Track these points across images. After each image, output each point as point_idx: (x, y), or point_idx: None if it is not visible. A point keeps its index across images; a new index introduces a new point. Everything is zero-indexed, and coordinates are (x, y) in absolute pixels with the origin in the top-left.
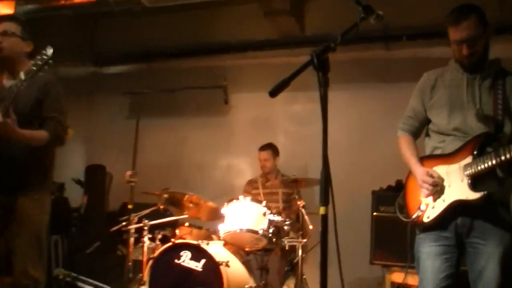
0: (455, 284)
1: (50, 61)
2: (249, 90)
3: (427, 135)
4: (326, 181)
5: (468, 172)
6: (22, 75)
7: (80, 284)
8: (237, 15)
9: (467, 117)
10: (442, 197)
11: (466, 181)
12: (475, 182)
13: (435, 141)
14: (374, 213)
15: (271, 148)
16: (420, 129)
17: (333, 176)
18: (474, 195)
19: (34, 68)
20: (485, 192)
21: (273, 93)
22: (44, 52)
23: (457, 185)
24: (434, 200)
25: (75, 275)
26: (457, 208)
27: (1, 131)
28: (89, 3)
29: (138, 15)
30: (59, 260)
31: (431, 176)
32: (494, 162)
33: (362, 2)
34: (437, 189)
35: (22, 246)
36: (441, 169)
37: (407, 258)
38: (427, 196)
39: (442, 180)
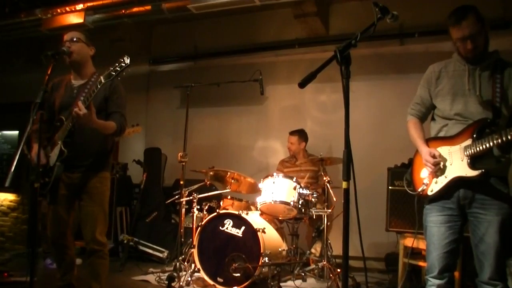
0: (457, 248)
1: (128, 69)
2: (282, 83)
3: (433, 119)
4: (348, 160)
5: (467, 152)
6: (102, 79)
7: (141, 247)
8: (272, 19)
9: (468, 104)
10: (444, 174)
11: (466, 160)
12: (474, 161)
13: (439, 125)
14: (390, 187)
15: (298, 133)
16: (426, 114)
17: (354, 155)
18: (472, 172)
19: (113, 73)
20: (483, 170)
21: (302, 85)
22: (122, 60)
23: (457, 164)
24: (437, 176)
25: (137, 239)
26: (458, 182)
27: (84, 120)
28: (146, 11)
29: (188, 21)
30: (123, 228)
31: (434, 156)
32: (491, 143)
33: (379, 4)
34: (439, 167)
35: (91, 215)
36: (443, 150)
37: (419, 226)
38: (430, 173)
39: (445, 159)
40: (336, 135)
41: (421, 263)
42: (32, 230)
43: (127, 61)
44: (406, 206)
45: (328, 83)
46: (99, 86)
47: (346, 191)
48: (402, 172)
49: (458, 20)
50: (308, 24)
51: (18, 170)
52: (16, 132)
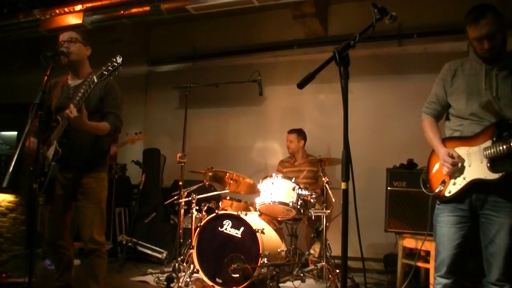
0: (466, 250)
1: (120, 68)
2: (280, 83)
3: (447, 118)
4: (347, 161)
5: (487, 153)
6: (94, 78)
7: (139, 248)
8: (270, 20)
9: (483, 104)
10: (463, 175)
11: (485, 162)
12: (494, 163)
13: (454, 124)
14: (388, 188)
15: (296, 132)
16: (441, 112)
17: (353, 156)
18: (493, 175)
19: (106, 73)
20: (503, 173)
21: (301, 85)
22: (114, 60)
23: (477, 165)
24: (455, 177)
25: (135, 240)
26: (476, 185)
27: (75, 123)
28: (145, 12)
29: (186, 22)
30: (122, 228)
31: (452, 156)
32: (510, 146)
33: (377, 5)
34: (457, 168)
35: (88, 215)
36: (462, 150)
37: (417, 226)
38: (448, 173)
39: (463, 160)
40: (335, 135)
41: (420, 264)
42: (30, 231)
43: (119, 60)
44: (404, 207)
45: (327, 84)
46: (91, 86)
47: (345, 191)
48: (401, 172)
49: (476, 18)
50: (306, 25)
51: (16, 170)
52: (14, 133)
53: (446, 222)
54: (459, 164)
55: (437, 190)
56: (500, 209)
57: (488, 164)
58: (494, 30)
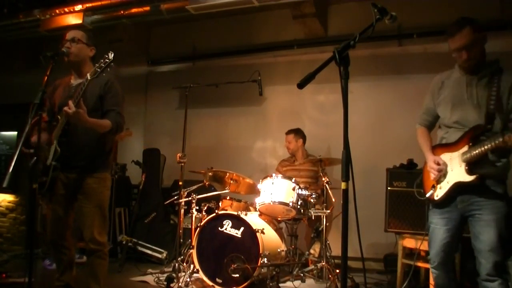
0: (454, 245)
1: (112, 64)
2: (280, 83)
3: (439, 127)
4: (347, 160)
5: (464, 158)
6: (88, 75)
7: (139, 248)
8: (270, 20)
9: (465, 112)
10: (446, 179)
11: (463, 166)
12: (472, 166)
13: (442, 132)
14: (388, 188)
15: (294, 132)
16: (432, 122)
17: (353, 156)
18: (469, 178)
19: (98, 70)
20: (478, 175)
21: (301, 85)
22: (106, 56)
23: (457, 169)
24: (441, 182)
25: (135, 240)
26: (458, 188)
27: (75, 119)
28: (145, 12)
29: (186, 22)
30: (122, 228)
31: (438, 163)
32: (483, 149)
33: (377, 5)
34: (442, 173)
35: (89, 216)
36: (446, 156)
37: (417, 226)
38: (434, 179)
39: (446, 165)
40: (335, 136)
41: (420, 264)
42: (30, 231)
43: (111, 56)
44: (404, 207)
45: (327, 84)
46: (86, 83)
47: (345, 191)
48: (401, 172)
49: (452, 32)
50: (306, 25)
51: (16, 170)
52: (14, 133)
53: (436, 223)
54: (444, 170)
55: (427, 195)
56: (483, 207)
57: (466, 167)
58: (470, 42)
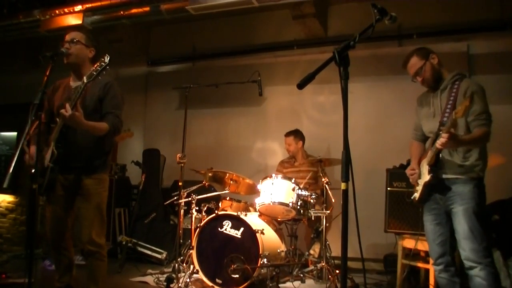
0: (447, 240)
1: (108, 67)
2: (280, 84)
3: None
4: (346, 161)
5: (427, 161)
6: (85, 79)
7: (139, 248)
8: (270, 20)
9: (430, 123)
10: (420, 182)
11: (428, 168)
12: (433, 168)
13: (427, 143)
14: (388, 188)
15: (293, 134)
16: (422, 135)
17: (353, 157)
18: (428, 177)
19: (94, 73)
20: (432, 174)
21: (301, 86)
22: (102, 59)
23: (425, 172)
24: (418, 185)
25: (135, 240)
26: (427, 188)
27: (71, 121)
28: (144, 13)
29: (186, 22)
30: (122, 229)
31: (413, 169)
32: (434, 149)
33: (377, 5)
34: (416, 177)
35: (87, 217)
36: (423, 162)
37: (417, 227)
38: (412, 183)
39: (418, 171)
40: (335, 136)
41: (420, 264)
42: (30, 231)
43: (107, 60)
44: (404, 208)
45: (327, 84)
46: (82, 86)
47: (345, 192)
48: (401, 173)
49: (404, 64)
50: (306, 25)
51: (16, 171)
52: (14, 133)
53: (427, 220)
54: (417, 174)
55: (412, 197)
56: (454, 201)
57: (428, 169)
58: (418, 68)
